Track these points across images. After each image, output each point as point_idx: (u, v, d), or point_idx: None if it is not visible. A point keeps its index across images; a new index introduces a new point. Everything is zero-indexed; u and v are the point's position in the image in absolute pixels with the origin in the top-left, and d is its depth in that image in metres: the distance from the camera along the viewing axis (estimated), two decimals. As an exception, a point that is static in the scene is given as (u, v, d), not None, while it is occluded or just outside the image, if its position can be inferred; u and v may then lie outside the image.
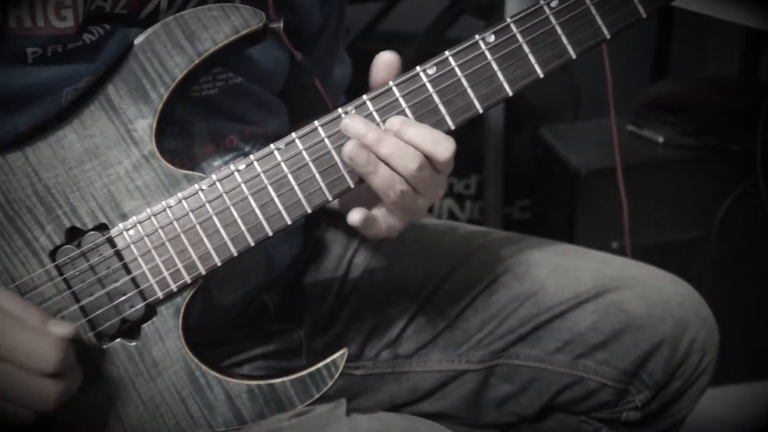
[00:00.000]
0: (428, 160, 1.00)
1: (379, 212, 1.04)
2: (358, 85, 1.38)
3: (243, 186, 1.01)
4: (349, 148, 0.99)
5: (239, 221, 1.01)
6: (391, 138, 0.99)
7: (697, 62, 3.05)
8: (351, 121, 1.00)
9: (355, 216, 1.02)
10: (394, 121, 1.00)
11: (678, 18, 2.89)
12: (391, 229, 1.06)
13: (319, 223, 1.37)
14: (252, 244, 1.01)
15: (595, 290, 1.29)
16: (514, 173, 2.47)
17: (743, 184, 2.20)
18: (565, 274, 1.31)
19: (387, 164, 1.00)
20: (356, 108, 1.01)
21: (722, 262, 2.24)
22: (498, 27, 1.01)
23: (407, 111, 1.01)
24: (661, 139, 2.28)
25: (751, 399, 2.27)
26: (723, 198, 2.21)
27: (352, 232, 1.37)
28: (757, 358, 2.27)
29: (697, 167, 2.24)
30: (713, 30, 2.87)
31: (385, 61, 1.02)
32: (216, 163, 1.11)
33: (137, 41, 1.00)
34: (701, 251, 2.23)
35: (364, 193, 1.03)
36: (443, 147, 1.00)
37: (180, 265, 1.01)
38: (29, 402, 0.92)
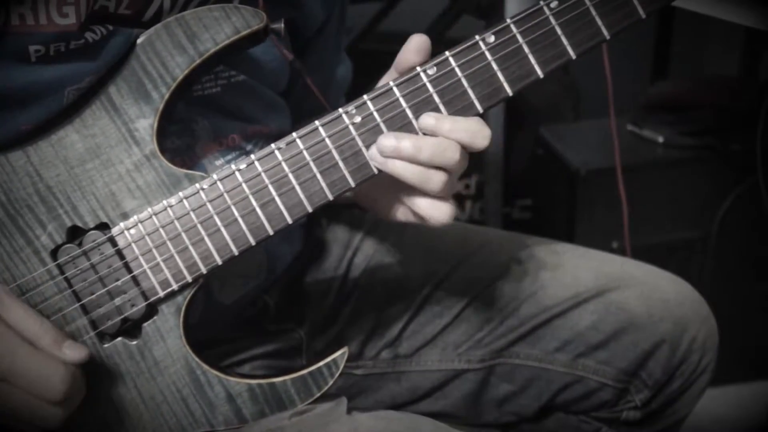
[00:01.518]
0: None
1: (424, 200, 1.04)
2: (358, 86, 1.39)
3: (244, 185, 1.00)
4: (397, 166, 1.00)
5: (240, 221, 1.01)
6: (427, 140, 1.00)
7: (697, 62, 3.05)
8: (385, 140, 0.99)
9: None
10: (429, 120, 1.00)
11: (678, 18, 2.89)
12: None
13: (320, 223, 1.38)
14: (253, 243, 1.01)
15: (595, 290, 1.29)
16: (514, 173, 2.47)
17: (743, 184, 2.20)
18: (565, 274, 1.31)
19: (431, 166, 1.00)
20: (357, 108, 1.01)
21: (722, 262, 2.24)
22: (498, 27, 1.01)
23: (407, 111, 1.01)
24: (661, 139, 2.29)
25: (751, 399, 2.27)
26: (723, 198, 2.22)
27: (352, 231, 1.38)
28: (757, 358, 2.27)
29: (697, 167, 2.24)
30: (713, 30, 2.87)
31: (416, 44, 1.01)
32: (218, 162, 1.12)
33: (139, 41, 1.00)
34: (701, 251, 2.23)
35: (386, 182, 1.04)
36: (481, 138, 1.01)
37: (181, 264, 1.01)
38: (36, 423, 0.94)
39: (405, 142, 0.99)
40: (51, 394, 0.93)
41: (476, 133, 1.00)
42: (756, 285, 2.26)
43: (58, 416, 0.94)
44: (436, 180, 1.00)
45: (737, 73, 2.74)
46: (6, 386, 0.92)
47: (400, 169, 1.00)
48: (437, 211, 1.03)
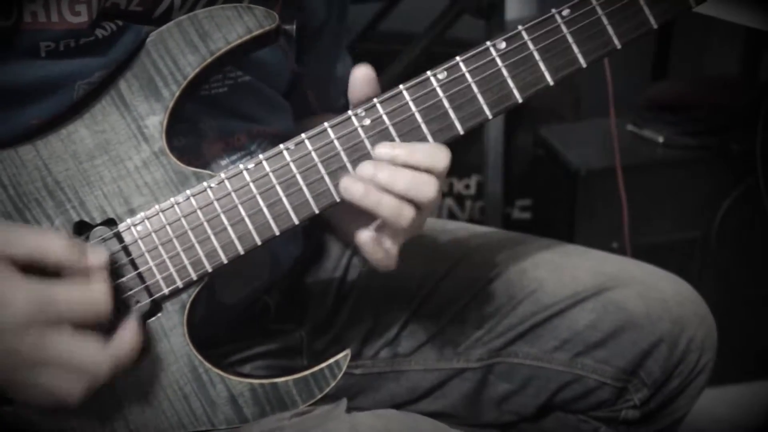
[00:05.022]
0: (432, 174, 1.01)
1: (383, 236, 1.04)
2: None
3: (251, 185, 1.01)
4: (357, 190, 1.00)
5: (247, 220, 1.01)
6: (404, 172, 0.99)
7: (697, 62, 3.05)
8: (363, 165, 1.00)
9: (365, 236, 1.03)
10: (385, 150, 1.00)
11: (678, 18, 2.89)
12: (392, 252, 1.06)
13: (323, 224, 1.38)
14: (259, 243, 1.02)
15: (594, 289, 1.29)
16: (514, 173, 2.47)
17: (743, 184, 2.20)
18: (564, 273, 1.31)
19: (406, 198, 1.00)
20: (366, 110, 1.01)
21: (722, 262, 2.24)
22: (509, 34, 1.01)
23: (417, 115, 1.01)
24: (661, 139, 2.29)
25: (751, 399, 2.28)
26: (723, 198, 2.22)
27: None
28: (757, 358, 2.27)
29: (697, 167, 2.25)
30: (713, 30, 2.87)
31: (363, 75, 1.02)
32: (223, 162, 1.11)
33: (150, 38, 1.01)
34: (701, 251, 2.24)
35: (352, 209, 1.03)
36: (440, 160, 1.01)
37: (186, 262, 1.01)
38: (83, 367, 0.93)
39: (381, 170, 0.99)
40: (99, 308, 0.93)
41: (435, 154, 1.00)
42: (756, 285, 2.26)
43: (107, 359, 0.93)
44: (407, 215, 1.00)
45: (737, 73, 2.74)
46: (54, 333, 0.92)
47: (375, 201, 0.99)
48: (382, 255, 1.04)
